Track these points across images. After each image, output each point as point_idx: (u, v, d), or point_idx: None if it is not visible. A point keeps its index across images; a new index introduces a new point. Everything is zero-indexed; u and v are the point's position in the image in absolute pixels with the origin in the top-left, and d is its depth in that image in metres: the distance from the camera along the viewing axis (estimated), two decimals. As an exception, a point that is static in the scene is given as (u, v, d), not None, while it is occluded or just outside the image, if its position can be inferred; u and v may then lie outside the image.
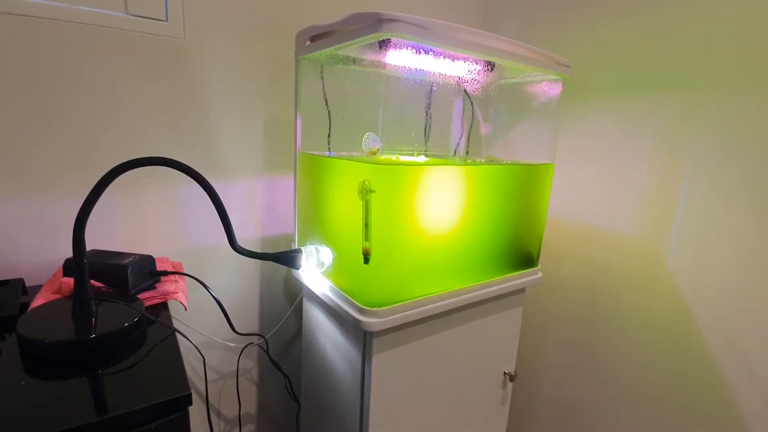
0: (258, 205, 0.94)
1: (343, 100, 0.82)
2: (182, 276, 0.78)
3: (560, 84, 0.83)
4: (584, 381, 1.06)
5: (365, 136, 0.58)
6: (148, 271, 0.70)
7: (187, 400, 0.46)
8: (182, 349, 0.90)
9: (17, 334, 0.52)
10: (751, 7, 0.74)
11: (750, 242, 0.76)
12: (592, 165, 1.00)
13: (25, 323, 0.53)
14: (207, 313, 0.92)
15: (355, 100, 0.81)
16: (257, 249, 0.96)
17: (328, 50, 0.66)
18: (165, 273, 0.73)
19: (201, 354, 0.84)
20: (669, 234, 0.87)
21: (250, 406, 1.04)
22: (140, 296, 0.66)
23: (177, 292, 0.69)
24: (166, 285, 0.71)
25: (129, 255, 0.70)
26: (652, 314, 0.91)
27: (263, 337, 0.96)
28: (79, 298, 0.55)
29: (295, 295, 1.03)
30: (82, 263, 0.53)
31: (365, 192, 0.59)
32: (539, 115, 0.90)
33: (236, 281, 0.95)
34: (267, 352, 0.95)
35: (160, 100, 0.79)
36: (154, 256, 0.82)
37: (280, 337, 1.04)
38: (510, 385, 0.92)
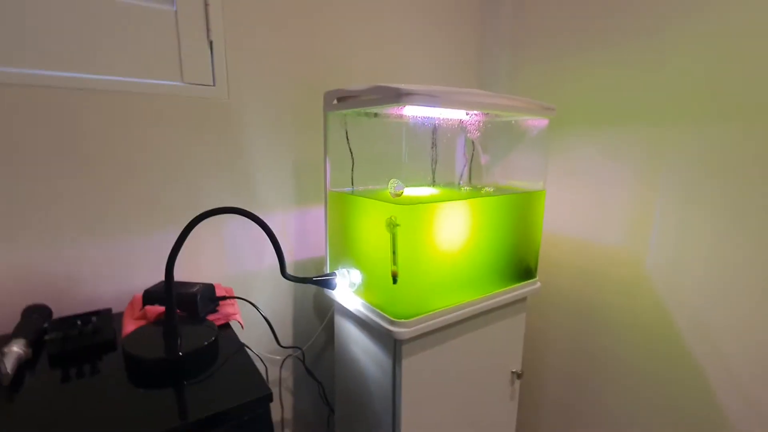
0: (290, 233, 1.09)
1: (364, 144, 0.97)
2: (235, 299, 0.91)
3: (547, 121, 0.98)
4: (582, 377, 1.19)
5: (391, 182, 0.73)
6: (210, 297, 0.84)
7: (269, 398, 0.59)
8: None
9: (124, 352, 0.65)
10: (708, 52, 0.89)
11: (719, 248, 0.90)
12: (581, 186, 1.14)
13: (129, 344, 0.67)
14: (249, 330, 1.05)
15: (375, 143, 0.96)
16: (291, 272, 1.10)
17: (352, 110, 0.81)
18: (224, 298, 0.87)
19: (264, 364, 0.97)
20: (647, 243, 1.02)
21: (287, 412, 1.17)
22: (208, 318, 0.80)
23: (237, 313, 0.83)
24: (226, 308, 0.85)
25: (195, 284, 0.84)
26: (636, 315, 1.05)
27: (300, 349, 1.09)
28: (168, 323, 0.69)
29: (323, 311, 1.17)
30: (172, 294, 0.67)
31: (392, 226, 0.73)
32: (530, 146, 1.05)
33: (273, 301, 1.09)
34: (304, 362, 1.08)
35: (212, 154, 0.94)
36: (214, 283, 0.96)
37: (312, 349, 1.17)
38: (517, 382, 1.05)
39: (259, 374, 0.63)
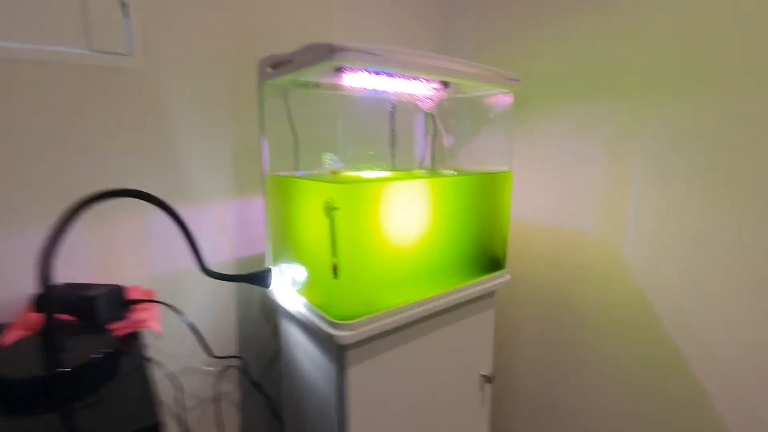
0: (231, 227, 0.96)
1: (309, 122, 0.85)
2: (155, 304, 0.78)
3: (512, 96, 0.89)
4: (558, 373, 1.10)
5: (326, 157, 0.61)
6: (118, 302, 0.70)
7: (155, 430, 0.47)
8: (161, 376, 0.89)
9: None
10: (687, 20, 0.81)
11: (698, 229, 0.82)
12: (550, 169, 1.05)
13: (-8, 362, 0.53)
14: (184, 339, 0.91)
15: (321, 120, 0.84)
16: (233, 270, 0.97)
17: (289, 77, 0.69)
18: (135, 302, 0.73)
19: (178, 381, 0.83)
20: (625, 229, 0.93)
21: (233, 428, 1.03)
22: (112, 326, 0.66)
23: (150, 320, 0.69)
24: (138, 314, 0.71)
25: (98, 286, 0.70)
26: (615, 306, 0.96)
27: (242, 359, 0.96)
28: (47, 334, 0.55)
29: (273, 314, 1.04)
30: (49, 298, 0.54)
31: (330, 209, 0.62)
32: (496, 125, 0.95)
33: (212, 305, 0.96)
34: (247, 374, 0.95)
35: (131, 135, 0.80)
36: (126, 285, 0.82)
37: (259, 358, 1.04)
38: (488, 387, 0.95)
39: (153, 398, 0.50)
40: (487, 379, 0.93)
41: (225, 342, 0.98)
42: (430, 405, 0.82)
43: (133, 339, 0.67)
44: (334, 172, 0.61)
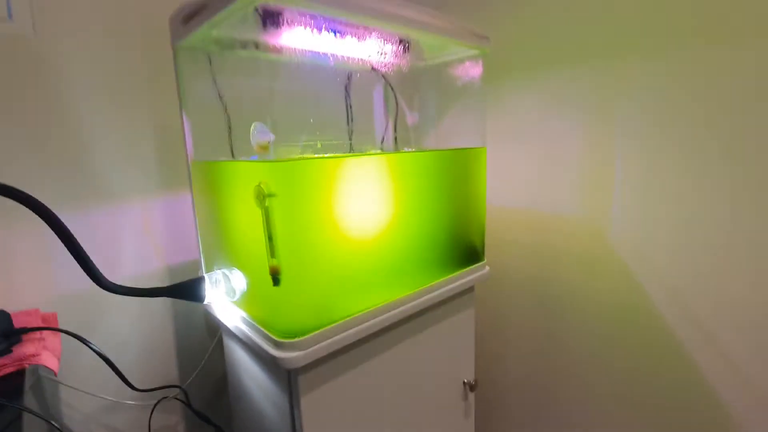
0: (158, 230, 0.80)
1: (246, 97, 0.70)
2: (55, 332, 0.61)
3: (481, 62, 0.77)
4: (549, 373, 1.00)
5: (252, 127, 0.47)
6: (0, 332, 0.54)
7: None
8: (81, 417, 0.73)
9: None
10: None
11: (688, 204, 0.73)
12: (522, 145, 0.95)
13: None
14: (107, 372, 0.75)
15: (260, 96, 0.69)
16: (163, 281, 0.81)
17: (203, 29, 0.54)
18: (25, 330, 0.57)
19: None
20: (609, 207, 0.84)
21: (179, 469, 0.87)
22: (-16, 367, 0.50)
23: (38, 354, 0.53)
24: (26, 347, 0.55)
25: (-34, 315, 0.53)
26: (603, 292, 0.87)
27: (180, 388, 0.80)
28: None
29: (218, 331, 0.89)
30: None
31: (262, 197, 0.48)
32: (465, 98, 0.83)
33: (142, 326, 0.79)
34: (188, 404, 0.80)
35: (15, 117, 0.63)
36: (21, 309, 0.65)
37: (205, 384, 0.89)
38: (471, 395, 0.83)
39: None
40: (471, 386, 0.81)
41: (162, 369, 0.82)
42: (406, 425, 0.70)
43: (17, 380, 0.51)
44: (263, 147, 0.47)
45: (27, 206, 0.43)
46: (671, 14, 0.71)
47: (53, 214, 0.44)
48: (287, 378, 0.54)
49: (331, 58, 0.68)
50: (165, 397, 0.78)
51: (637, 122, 0.78)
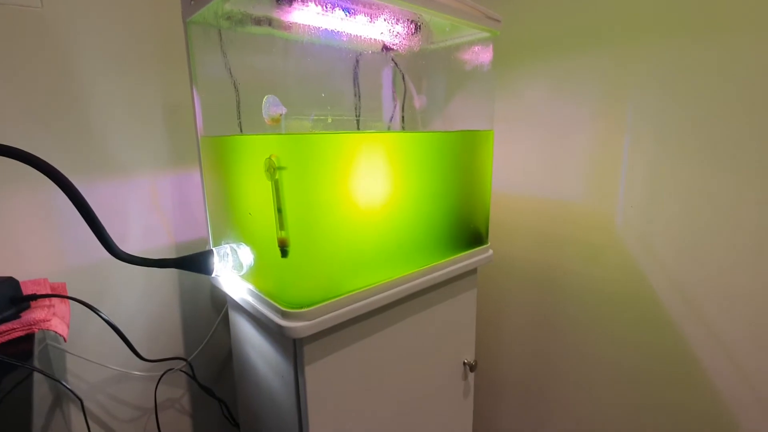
0: (166, 206, 0.80)
1: (254, 73, 0.70)
2: (64, 300, 0.63)
3: (491, 45, 0.77)
4: (548, 358, 1.02)
5: (264, 100, 0.47)
6: (8, 298, 0.55)
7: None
8: (87, 387, 0.75)
9: None
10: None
11: (697, 194, 0.74)
12: (530, 131, 0.95)
13: None
14: (114, 342, 0.76)
15: (270, 72, 0.70)
16: (171, 257, 0.82)
17: (215, 3, 0.54)
18: (34, 297, 0.58)
19: (77, 397, 0.68)
20: (616, 196, 0.84)
21: (183, 440, 0.89)
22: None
23: (48, 320, 0.54)
24: (35, 312, 0.56)
25: (-20, 279, 0.55)
26: (606, 279, 0.88)
27: (185, 360, 0.82)
28: None
29: (223, 306, 0.90)
30: None
31: (273, 170, 0.48)
32: (475, 83, 0.83)
33: (149, 298, 0.81)
34: (193, 377, 0.81)
35: (20, 85, 0.64)
36: (30, 279, 0.66)
37: (210, 357, 0.90)
38: (471, 375, 0.85)
39: (25, 424, 0.37)
40: (471, 366, 0.83)
41: (168, 341, 0.84)
42: (407, 401, 0.71)
43: (26, 344, 0.52)
44: (275, 120, 0.48)
45: (46, 174, 0.44)
46: (686, 3, 0.71)
47: (71, 183, 0.45)
48: (293, 348, 0.55)
49: (341, 37, 0.68)
50: (170, 369, 0.79)
51: (649, 111, 0.78)
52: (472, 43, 0.79)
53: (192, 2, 0.58)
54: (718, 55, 0.68)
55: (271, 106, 0.46)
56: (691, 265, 0.76)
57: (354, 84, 0.82)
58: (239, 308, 0.68)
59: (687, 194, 0.75)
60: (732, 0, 0.66)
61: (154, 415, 0.83)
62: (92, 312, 0.62)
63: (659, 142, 0.77)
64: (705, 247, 0.74)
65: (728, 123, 0.69)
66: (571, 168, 0.90)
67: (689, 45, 0.71)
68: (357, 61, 0.82)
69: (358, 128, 0.85)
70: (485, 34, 0.75)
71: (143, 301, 0.80)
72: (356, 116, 0.83)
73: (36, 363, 0.49)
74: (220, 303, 0.90)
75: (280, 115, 0.47)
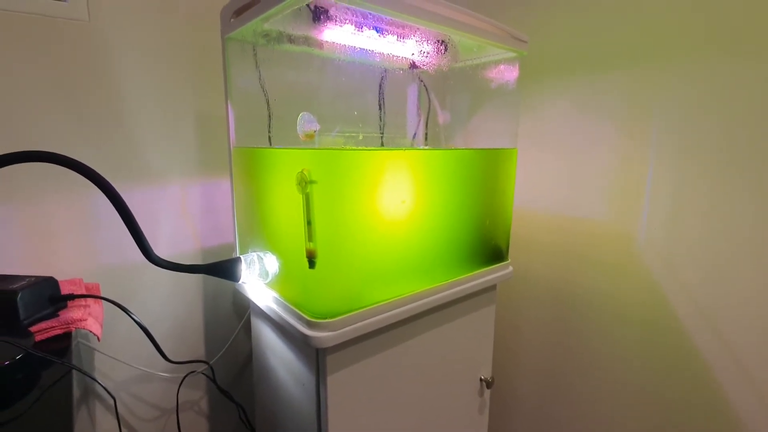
0: (195, 213, 0.83)
1: (287, 88, 0.73)
2: (98, 300, 0.65)
3: (517, 65, 0.78)
4: (564, 379, 1.00)
5: (299, 117, 0.49)
6: (48, 297, 0.58)
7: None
8: (113, 386, 0.77)
9: None
10: (703, -24, 0.71)
11: (721, 215, 0.73)
12: (553, 149, 0.95)
13: None
14: (140, 342, 0.79)
15: (302, 88, 0.72)
16: (197, 262, 0.85)
17: (255, 22, 0.57)
18: (71, 297, 0.61)
19: (111, 395, 0.71)
20: (639, 215, 0.84)
21: (200, 442, 0.91)
22: (36, 327, 0.54)
23: (84, 319, 0.57)
24: (72, 312, 0.59)
25: (23, 278, 0.57)
26: (627, 301, 0.87)
27: (207, 364, 0.84)
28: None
29: (245, 312, 0.92)
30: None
31: (304, 184, 0.50)
32: (499, 101, 0.84)
33: (174, 302, 0.83)
34: (213, 380, 0.83)
35: (65, 94, 0.68)
36: (64, 279, 0.69)
37: (230, 362, 0.92)
38: (487, 392, 0.85)
39: (68, 419, 0.39)
40: (487, 383, 0.82)
41: (190, 344, 0.86)
42: (423, 414, 0.72)
43: (62, 342, 0.55)
44: (309, 136, 0.50)
45: (92, 181, 0.47)
46: (711, 21, 0.71)
47: (116, 191, 0.48)
48: (315, 357, 0.56)
49: (372, 56, 0.70)
50: (193, 372, 0.81)
51: (673, 131, 0.77)
52: (498, 63, 0.80)
53: (232, 20, 0.61)
54: (744, 72, 0.68)
55: (306, 123, 0.49)
56: (717, 289, 0.75)
57: (379, 100, 0.84)
58: (263, 315, 0.70)
59: (711, 218, 0.74)
60: (757, 17, 0.66)
61: (173, 416, 0.85)
62: (120, 312, 0.64)
63: (684, 160, 0.76)
64: (732, 271, 0.73)
65: (755, 142, 0.68)
66: (593, 185, 0.90)
67: (715, 63, 0.71)
68: (382, 78, 0.84)
69: (382, 144, 0.86)
70: (512, 54, 0.76)
71: (168, 304, 0.83)
72: (381, 132, 0.84)
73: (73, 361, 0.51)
74: (241, 309, 0.92)
75: (314, 131, 0.49)
